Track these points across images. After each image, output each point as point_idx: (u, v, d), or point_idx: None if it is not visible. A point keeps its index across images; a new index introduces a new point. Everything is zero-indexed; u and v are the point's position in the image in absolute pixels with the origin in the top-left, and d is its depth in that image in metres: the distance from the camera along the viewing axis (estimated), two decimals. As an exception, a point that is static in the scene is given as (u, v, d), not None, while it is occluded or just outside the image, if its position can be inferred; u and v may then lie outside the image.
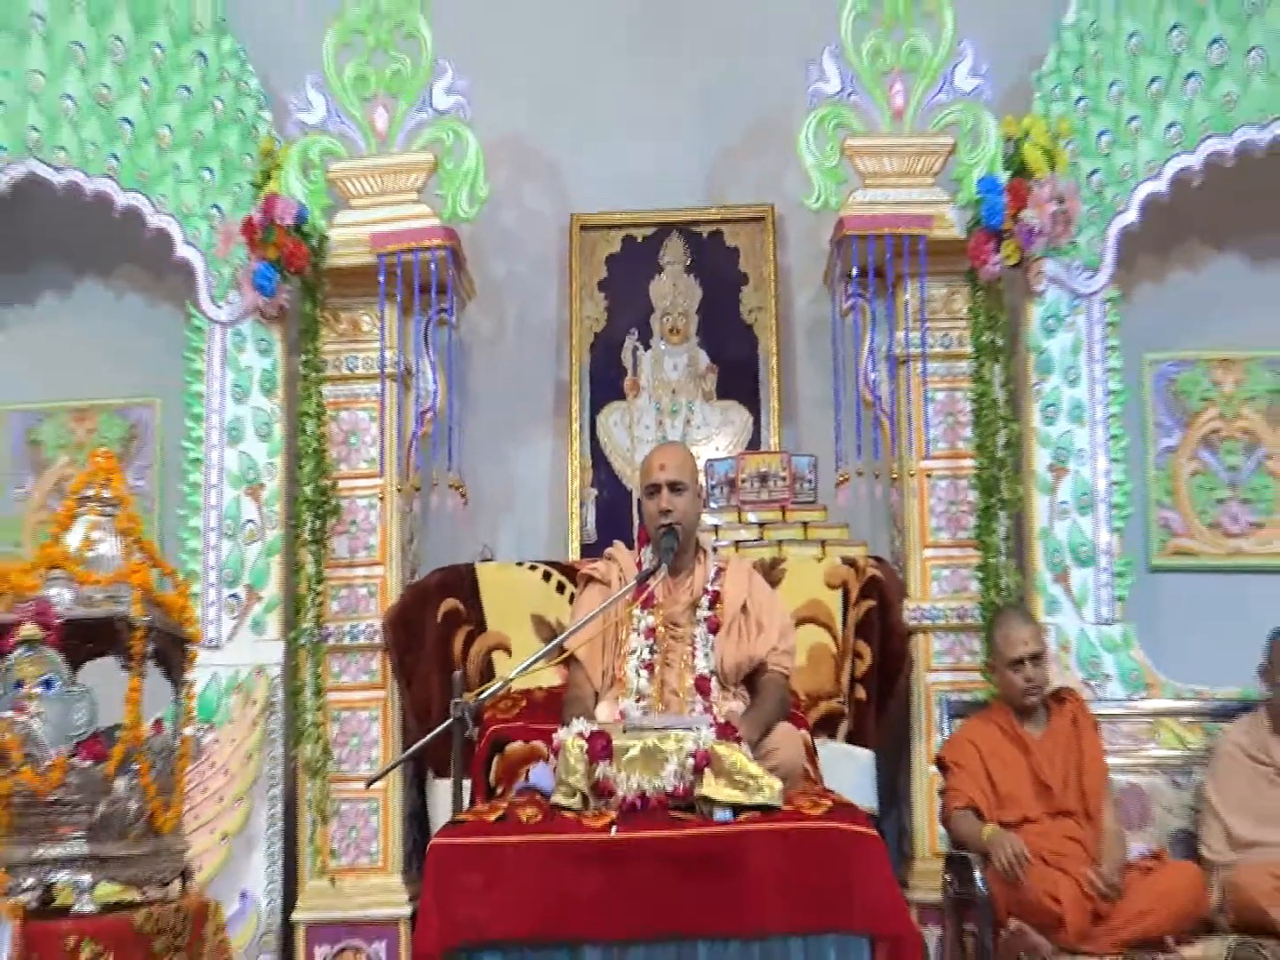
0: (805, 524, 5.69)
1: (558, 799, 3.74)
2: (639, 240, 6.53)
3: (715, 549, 4.75)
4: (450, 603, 5.54)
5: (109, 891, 4.12)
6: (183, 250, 5.95)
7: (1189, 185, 5.83)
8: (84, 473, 4.45)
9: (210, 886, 5.25)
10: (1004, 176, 5.60)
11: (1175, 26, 5.79)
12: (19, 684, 3.99)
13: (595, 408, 6.42)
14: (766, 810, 3.62)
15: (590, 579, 4.49)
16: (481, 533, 6.27)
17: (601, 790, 3.67)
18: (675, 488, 4.25)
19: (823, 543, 5.64)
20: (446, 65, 5.82)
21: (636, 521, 5.66)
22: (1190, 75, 5.78)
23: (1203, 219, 6.14)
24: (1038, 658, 4.91)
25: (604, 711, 4.13)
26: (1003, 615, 5.20)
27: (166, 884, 4.45)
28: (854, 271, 5.71)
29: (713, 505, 5.68)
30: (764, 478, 5.73)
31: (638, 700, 4.12)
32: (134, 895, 4.30)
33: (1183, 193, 5.84)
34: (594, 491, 6.35)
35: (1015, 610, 5.31)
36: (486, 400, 6.41)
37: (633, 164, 6.52)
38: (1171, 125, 5.78)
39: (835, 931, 3.52)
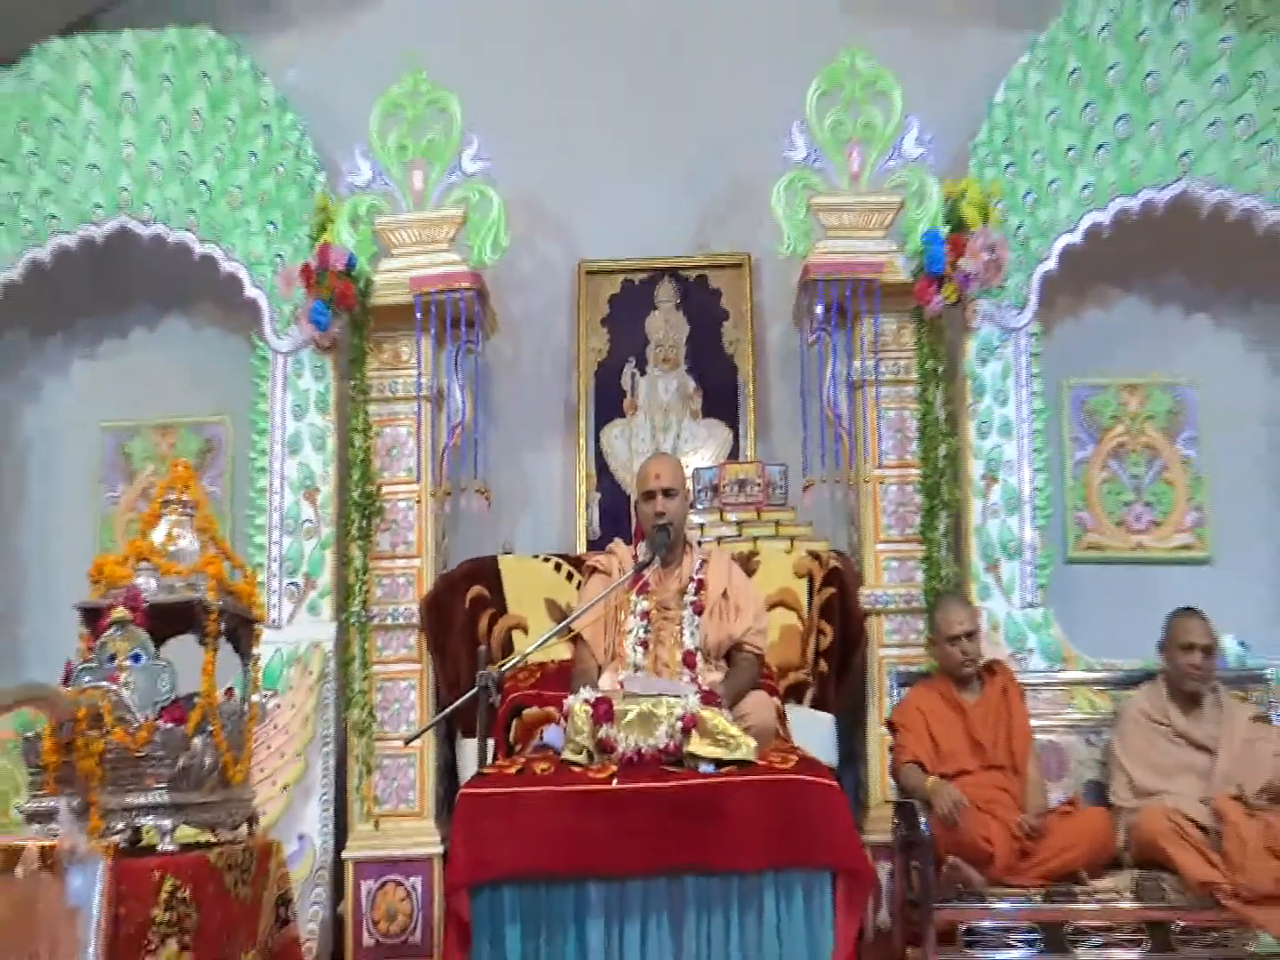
0: (777, 523, 5.70)
1: (567, 755, 3.76)
2: (636, 283, 6.53)
3: (700, 544, 4.75)
4: (476, 589, 5.55)
5: (187, 834, 4.13)
6: (250, 291, 5.97)
7: (1100, 237, 5.85)
8: (166, 480, 4.46)
9: (273, 829, 5.26)
10: (944, 230, 5.60)
11: (1088, 104, 5.81)
12: (112, 658, 4.00)
13: (599, 424, 6.42)
14: (744, 764, 3.64)
15: (594, 570, 4.49)
16: (502, 530, 6.27)
17: (604, 747, 3.70)
18: (668, 494, 4.27)
19: (791, 539, 5.64)
20: (473, 136, 5.83)
21: (634, 521, 5.65)
22: (1101, 145, 5.80)
23: (1112, 266, 6.15)
24: (972, 635, 4.95)
25: (606, 681, 4.14)
26: (943, 599, 5.24)
27: (236, 827, 4.46)
28: (818, 309, 5.72)
29: (699, 507, 5.68)
30: (742, 484, 5.74)
31: (635, 672, 4.12)
32: (209, 837, 4.31)
33: (1095, 243, 5.86)
34: (598, 495, 6.35)
35: (953, 595, 5.35)
36: (507, 417, 6.39)
37: (631, 218, 6.52)
38: (1085, 187, 5.80)
39: (802, 867, 3.54)
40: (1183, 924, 4.54)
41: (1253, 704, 5.06)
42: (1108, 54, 5.82)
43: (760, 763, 3.66)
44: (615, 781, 3.58)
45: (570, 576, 5.50)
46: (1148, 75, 5.79)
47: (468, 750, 5.39)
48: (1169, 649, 4.98)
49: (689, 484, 4.95)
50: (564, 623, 4.34)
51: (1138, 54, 5.80)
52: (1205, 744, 4.86)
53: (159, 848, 3.88)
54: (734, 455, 6.27)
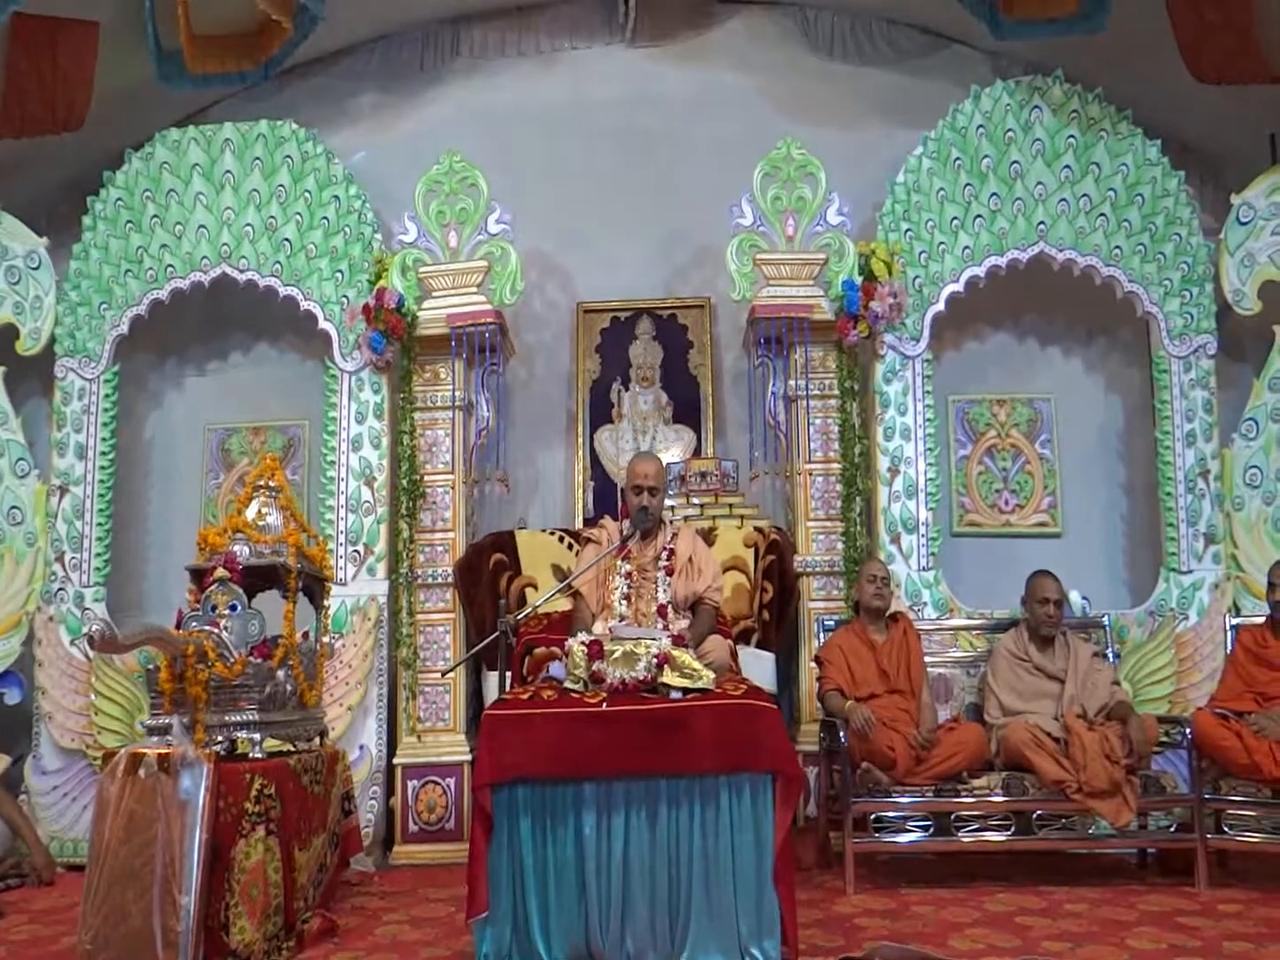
0: (731, 505, 5.66)
1: (568, 684, 3.70)
2: (622, 319, 6.45)
3: (671, 521, 4.69)
4: (498, 556, 5.50)
5: (273, 744, 4.09)
6: (323, 324, 5.89)
7: (977, 286, 5.83)
8: (257, 470, 4.44)
9: (340, 741, 5.24)
10: (859, 280, 5.58)
11: (967, 185, 5.79)
12: (214, 607, 3.98)
13: (593, 429, 6.34)
14: (704, 692, 3.58)
15: (589, 540, 4.42)
16: (518, 510, 6.22)
17: (596, 678, 3.64)
18: (651, 492, 4.20)
19: (742, 518, 5.60)
20: (496, 205, 5.79)
21: (620, 503, 5.61)
22: (977, 216, 5.78)
23: (986, 308, 6.12)
24: (885, 581, 5.00)
25: (598, 628, 4.07)
26: (868, 558, 5.40)
27: (310, 739, 4.44)
28: (762, 340, 5.69)
29: (670, 493, 5.61)
30: (703, 475, 5.72)
31: (620, 620, 4.06)
32: (289, 746, 4.27)
33: (973, 291, 5.83)
34: (592, 483, 6.28)
35: (875, 558, 5.42)
36: (522, 423, 6.33)
37: (618, 270, 6.45)
38: (966, 248, 5.77)
39: (748, 771, 3.47)
40: (1040, 813, 4.55)
41: (1093, 644, 5.04)
42: (982, 147, 5.81)
43: (717, 690, 3.60)
44: (605, 705, 3.52)
45: (570, 546, 5.45)
46: (1012, 163, 5.78)
47: (490, 680, 5.37)
48: (1029, 602, 4.97)
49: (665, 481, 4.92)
50: (565, 582, 4.29)
51: (1005, 147, 5.79)
52: (1056, 675, 4.85)
53: (250, 755, 3.88)
54: (697, 453, 6.20)
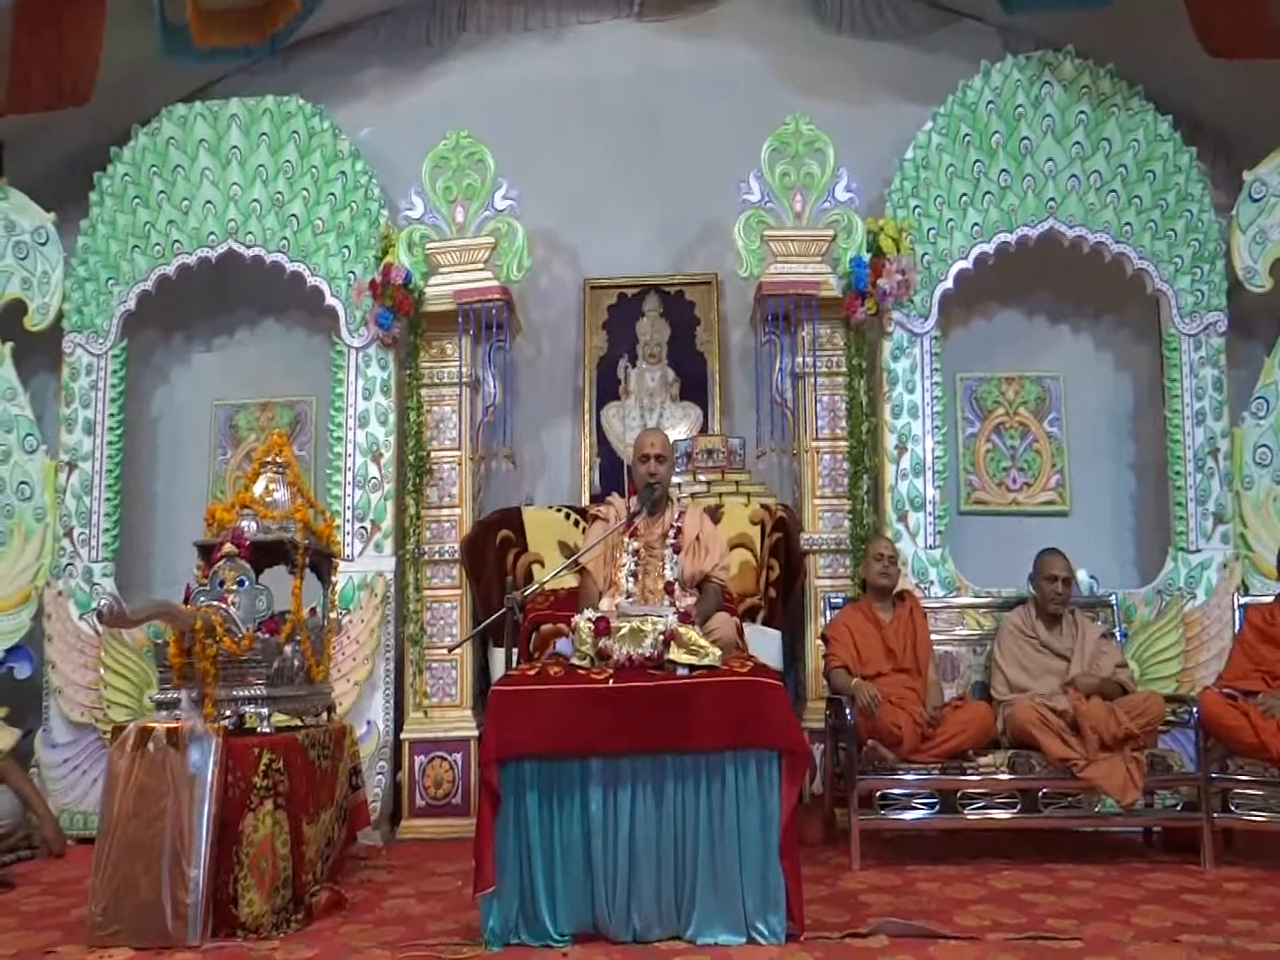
0: (737, 483, 5.64)
1: (575, 661, 3.70)
2: (629, 296, 6.42)
3: (679, 499, 4.68)
4: (504, 532, 5.49)
5: (281, 719, 4.11)
6: (330, 300, 5.87)
7: (986, 263, 5.78)
8: (265, 446, 4.43)
9: (347, 716, 5.25)
10: (867, 257, 5.54)
11: (976, 161, 5.74)
12: (222, 583, 3.98)
13: (599, 406, 6.32)
14: (711, 669, 3.57)
15: (596, 517, 4.41)
16: (525, 486, 6.22)
17: (603, 655, 3.63)
18: (659, 459, 4.19)
19: (748, 495, 5.59)
20: (503, 181, 5.76)
21: (627, 479, 5.60)
22: (986, 193, 5.74)
23: (995, 285, 6.07)
24: (893, 559, 5.00)
25: (605, 604, 4.06)
26: (875, 536, 5.38)
27: (318, 714, 4.45)
28: (770, 317, 5.65)
29: (677, 470, 5.59)
30: (710, 452, 5.70)
31: (627, 597, 4.05)
32: (297, 721, 4.28)
33: (981, 268, 5.79)
34: (598, 460, 6.26)
35: (882, 536, 5.39)
36: (528, 400, 6.31)
37: (625, 246, 6.42)
38: (975, 225, 5.73)
39: (754, 748, 3.47)
40: (1046, 791, 4.54)
41: (1100, 624, 5.03)
42: (992, 123, 5.76)
43: (724, 667, 3.59)
44: (611, 681, 3.51)
45: (577, 523, 5.44)
46: (1023, 139, 5.73)
47: (497, 656, 5.35)
48: (1037, 580, 4.95)
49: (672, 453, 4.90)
50: (572, 559, 4.28)
51: (1015, 123, 5.74)
52: (1063, 653, 4.84)
53: (258, 730, 3.88)
54: (704, 430, 6.18)
